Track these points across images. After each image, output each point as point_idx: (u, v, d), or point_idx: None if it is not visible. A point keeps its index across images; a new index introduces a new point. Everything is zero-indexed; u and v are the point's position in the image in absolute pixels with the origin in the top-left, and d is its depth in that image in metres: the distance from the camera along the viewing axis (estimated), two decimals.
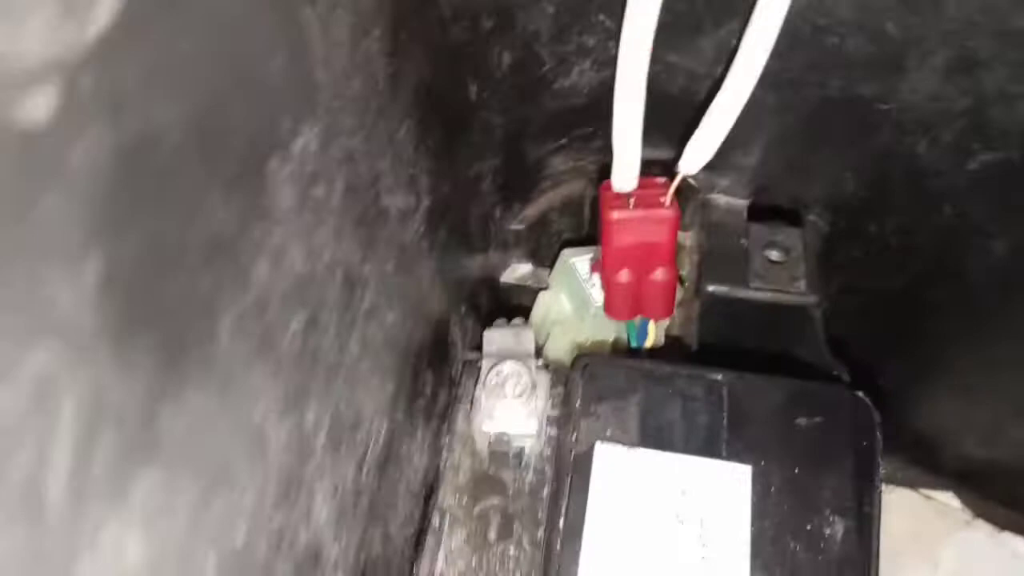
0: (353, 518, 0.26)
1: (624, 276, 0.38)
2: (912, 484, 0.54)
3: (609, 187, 0.36)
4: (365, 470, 0.26)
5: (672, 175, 0.36)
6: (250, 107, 0.17)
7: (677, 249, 0.46)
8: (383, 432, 0.28)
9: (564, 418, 0.34)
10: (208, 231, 0.16)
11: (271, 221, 0.18)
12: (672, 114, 0.41)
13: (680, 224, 0.37)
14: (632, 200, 0.36)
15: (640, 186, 0.36)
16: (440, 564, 0.33)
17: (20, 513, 0.12)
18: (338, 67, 0.21)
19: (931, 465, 0.54)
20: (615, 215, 0.36)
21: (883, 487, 0.54)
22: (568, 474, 0.32)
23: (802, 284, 0.42)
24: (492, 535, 0.34)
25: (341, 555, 0.25)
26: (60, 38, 0.12)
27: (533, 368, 0.34)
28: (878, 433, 0.33)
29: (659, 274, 0.38)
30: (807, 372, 0.39)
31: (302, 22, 0.19)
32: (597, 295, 0.41)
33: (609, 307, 0.40)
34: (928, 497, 0.55)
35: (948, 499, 0.54)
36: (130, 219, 0.13)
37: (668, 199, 0.36)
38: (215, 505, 0.17)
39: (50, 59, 0.11)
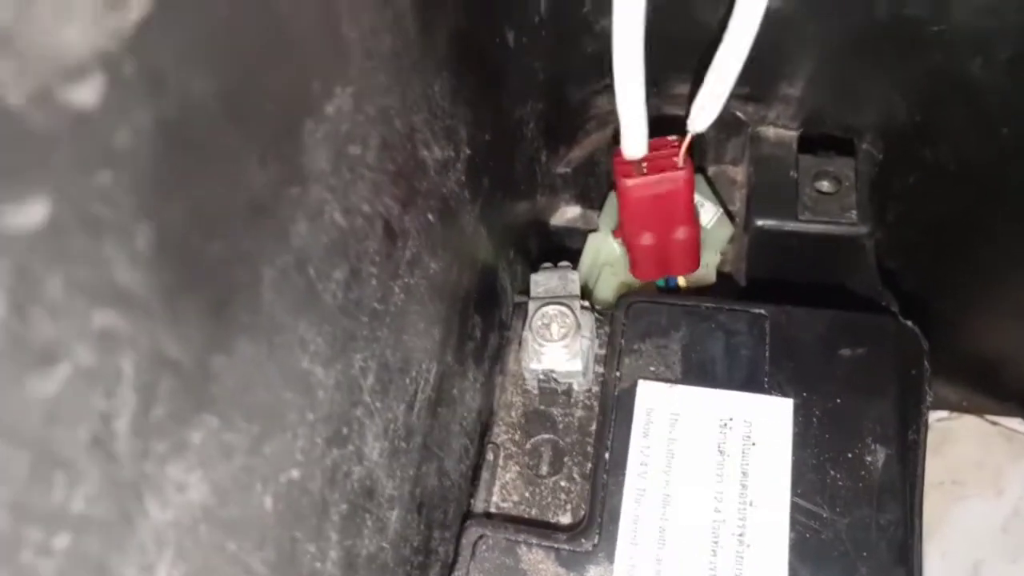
0: (406, 455, 0.27)
1: (646, 239, 0.38)
2: (979, 411, 0.54)
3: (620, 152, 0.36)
4: (416, 410, 0.28)
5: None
6: (281, 72, 0.18)
7: (730, 185, 0.46)
8: (433, 375, 0.29)
9: (608, 356, 0.35)
10: (247, 195, 0.17)
11: (308, 181, 0.19)
12: (684, 57, 0.40)
13: (694, 181, 0.37)
14: (645, 164, 0.35)
15: (652, 147, 0.35)
16: (495, 497, 0.35)
17: (96, 451, 0.13)
18: (367, 24, 0.22)
19: (997, 391, 0.53)
20: (628, 183, 0.35)
21: (948, 414, 0.54)
22: (612, 410, 0.33)
23: (853, 214, 0.42)
24: (544, 469, 0.35)
25: (396, 490, 0.27)
26: (104, 28, 0.13)
27: (578, 309, 0.35)
28: (925, 361, 0.33)
29: (680, 232, 0.38)
30: (858, 304, 0.39)
31: None
32: None
33: (635, 268, 0.40)
34: (995, 423, 0.54)
35: (1016, 425, 0.54)
36: (175, 189, 0.15)
37: (681, 159, 0.35)
38: (269, 445, 0.18)
39: (96, 49, 0.13)
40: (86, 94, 0.12)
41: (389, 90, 0.23)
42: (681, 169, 0.35)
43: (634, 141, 0.34)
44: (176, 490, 0.16)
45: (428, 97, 0.26)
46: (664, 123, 0.44)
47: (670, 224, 0.37)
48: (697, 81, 0.41)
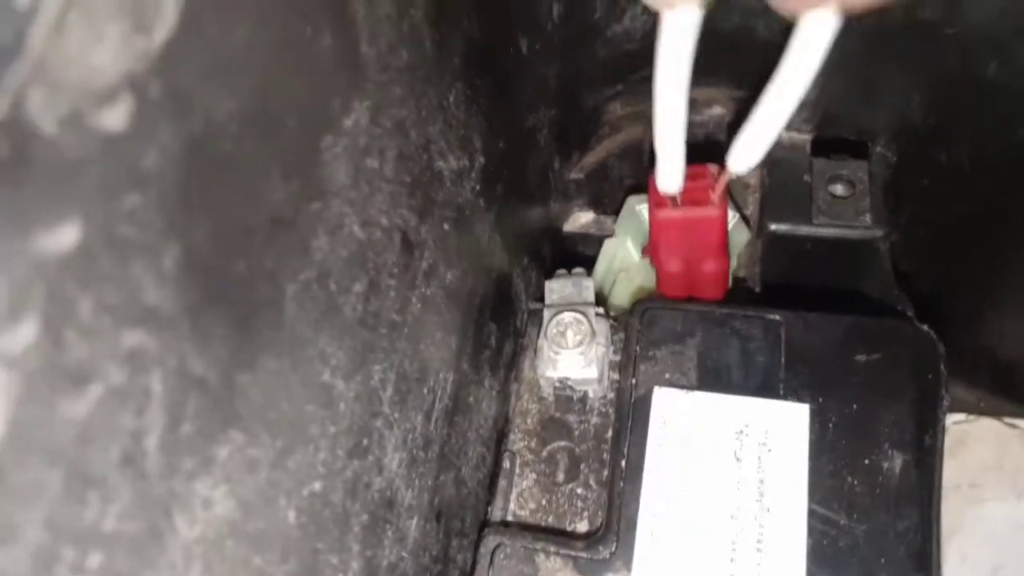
0: (425, 465, 0.28)
1: (674, 266, 0.37)
2: (996, 413, 0.54)
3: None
4: (434, 420, 0.28)
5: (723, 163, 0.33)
6: (301, 90, 0.18)
7: (743, 189, 0.46)
8: (449, 384, 0.29)
9: (624, 363, 0.35)
10: (269, 212, 0.17)
11: (328, 195, 0.19)
12: (728, 60, 0.40)
13: (727, 219, 0.36)
14: (679, 195, 0.34)
15: (688, 176, 0.33)
16: (512, 504, 0.35)
17: (127, 469, 0.14)
18: (384, 41, 0.22)
19: (1015, 393, 0.53)
20: (661, 214, 0.35)
21: (965, 417, 0.54)
22: (628, 417, 0.33)
23: (868, 218, 0.42)
24: (560, 476, 0.35)
25: (415, 499, 0.27)
26: (131, 51, 0.13)
27: (593, 316, 0.35)
28: (942, 366, 0.33)
29: (709, 264, 0.38)
30: (873, 308, 0.39)
31: (346, 1, 0.20)
32: None
33: (661, 286, 0.40)
34: (1013, 426, 0.54)
35: None
36: (200, 208, 0.15)
37: (716, 197, 0.34)
38: (292, 459, 0.19)
39: (125, 72, 0.13)
40: (115, 117, 0.13)
41: (404, 102, 0.23)
42: (715, 207, 0.34)
43: (670, 177, 0.32)
44: (203, 506, 0.16)
45: (443, 108, 0.27)
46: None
47: (700, 255, 0.37)
48: (739, 76, 0.40)
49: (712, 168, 0.35)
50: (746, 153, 0.30)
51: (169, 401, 0.14)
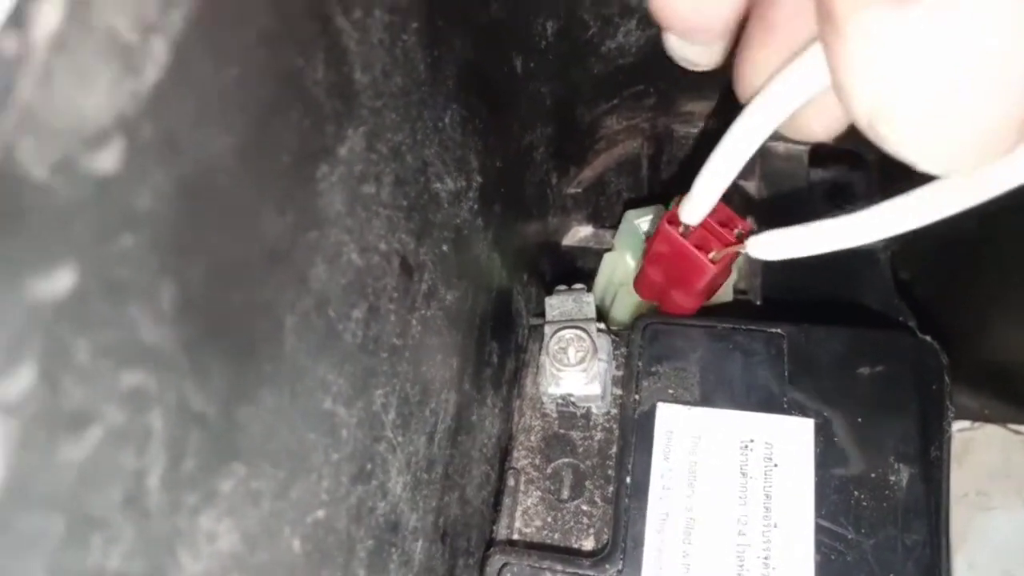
0: (429, 487, 0.27)
1: (655, 274, 0.36)
2: (1001, 420, 0.53)
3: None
4: (437, 441, 0.28)
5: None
6: (294, 122, 0.18)
7: (743, 199, 0.46)
8: (452, 404, 0.29)
9: (626, 379, 0.35)
10: (265, 245, 0.17)
11: (324, 224, 0.19)
12: (698, 76, 0.40)
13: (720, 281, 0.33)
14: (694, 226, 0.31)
15: (718, 210, 0.30)
16: (518, 522, 0.35)
17: (129, 509, 0.14)
18: (378, 68, 0.22)
19: (1019, 399, 0.52)
20: (664, 228, 0.32)
21: (970, 424, 0.54)
22: (632, 433, 0.33)
23: None
24: (565, 493, 0.35)
25: (420, 522, 0.27)
26: (122, 94, 0.13)
27: (594, 333, 0.35)
28: (946, 377, 0.33)
29: (679, 296, 0.36)
30: (875, 320, 0.39)
31: (337, 30, 0.20)
32: None
33: (637, 284, 0.38)
34: (1018, 432, 0.54)
35: None
36: (195, 246, 0.15)
37: (717, 256, 0.31)
38: (295, 488, 0.19)
39: (115, 114, 0.13)
40: (107, 160, 0.13)
41: (400, 127, 0.23)
42: (711, 263, 0.31)
43: (694, 210, 0.30)
44: (207, 540, 0.16)
45: (439, 130, 0.27)
46: (665, 139, 0.44)
47: (678, 284, 0.35)
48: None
49: (742, 225, 0.31)
50: (774, 250, 0.27)
51: (170, 438, 0.14)
